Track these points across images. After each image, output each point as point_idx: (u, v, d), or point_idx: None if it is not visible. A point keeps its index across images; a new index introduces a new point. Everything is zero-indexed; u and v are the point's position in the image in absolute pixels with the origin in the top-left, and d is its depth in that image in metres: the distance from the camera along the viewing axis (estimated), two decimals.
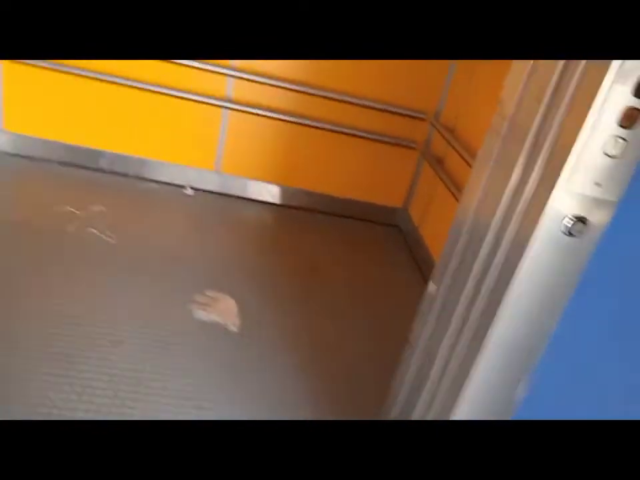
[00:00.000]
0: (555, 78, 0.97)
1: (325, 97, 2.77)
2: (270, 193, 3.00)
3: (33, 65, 2.59)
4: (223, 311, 2.03)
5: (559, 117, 0.96)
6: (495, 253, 1.08)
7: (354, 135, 2.89)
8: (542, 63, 1.01)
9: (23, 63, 2.60)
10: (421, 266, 2.70)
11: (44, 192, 2.58)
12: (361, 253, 2.82)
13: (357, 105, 2.80)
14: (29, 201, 2.50)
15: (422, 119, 2.88)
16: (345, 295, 2.38)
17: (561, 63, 0.96)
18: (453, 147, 2.56)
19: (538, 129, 1.01)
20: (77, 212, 2.43)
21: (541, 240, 0.97)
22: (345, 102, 2.79)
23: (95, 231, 2.33)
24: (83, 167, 2.79)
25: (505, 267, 1.05)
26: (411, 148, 2.95)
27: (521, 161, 1.05)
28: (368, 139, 2.90)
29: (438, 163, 2.76)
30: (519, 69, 1.07)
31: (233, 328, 1.97)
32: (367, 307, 2.33)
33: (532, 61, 1.04)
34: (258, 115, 2.79)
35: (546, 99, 0.99)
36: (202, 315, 1.99)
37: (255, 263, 2.45)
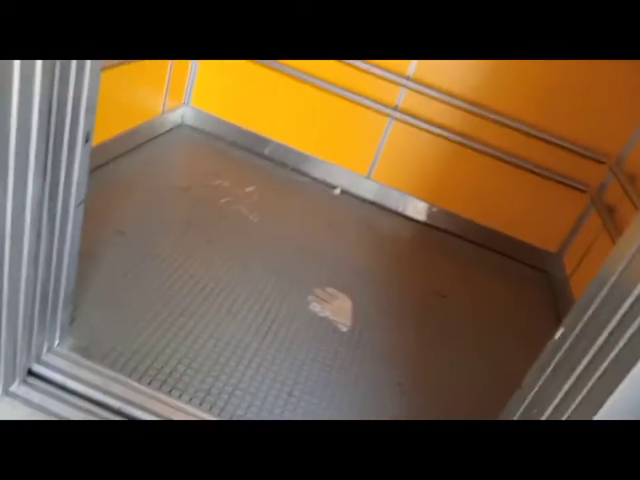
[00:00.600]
0: None
1: (495, 121, 2.63)
2: (415, 208, 2.92)
3: None
4: (337, 309, 2.02)
5: None
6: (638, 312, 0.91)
7: (519, 166, 2.70)
8: None
9: None
10: (562, 318, 2.42)
11: (209, 165, 2.80)
12: (498, 290, 2.62)
13: (529, 134, 2.62)
14: (194, 170, 2.73)
15: (601, 162, 2.59)
16: (468, 329, 2.22)
17: None
18: (630, 198, 2.26)
19: None
20: (232, 188, 2.60)
21: None
22: (516, 129, 2.62)
23: (242, 208, 2.46)
24: (247, 150, 2.98)
25: None
26: (581, 191, 2.67)
27: None
28: (534, 172, 2.69)
29: (609, 212, 2.46)
30: None
31: (343, 328, 1.94)
32: (488, 347, 2.15)
33: None
34: (422, 128, 2.74)
35: None
36: (317, 308, 1.99)
37: (382, 274, 2.40)
